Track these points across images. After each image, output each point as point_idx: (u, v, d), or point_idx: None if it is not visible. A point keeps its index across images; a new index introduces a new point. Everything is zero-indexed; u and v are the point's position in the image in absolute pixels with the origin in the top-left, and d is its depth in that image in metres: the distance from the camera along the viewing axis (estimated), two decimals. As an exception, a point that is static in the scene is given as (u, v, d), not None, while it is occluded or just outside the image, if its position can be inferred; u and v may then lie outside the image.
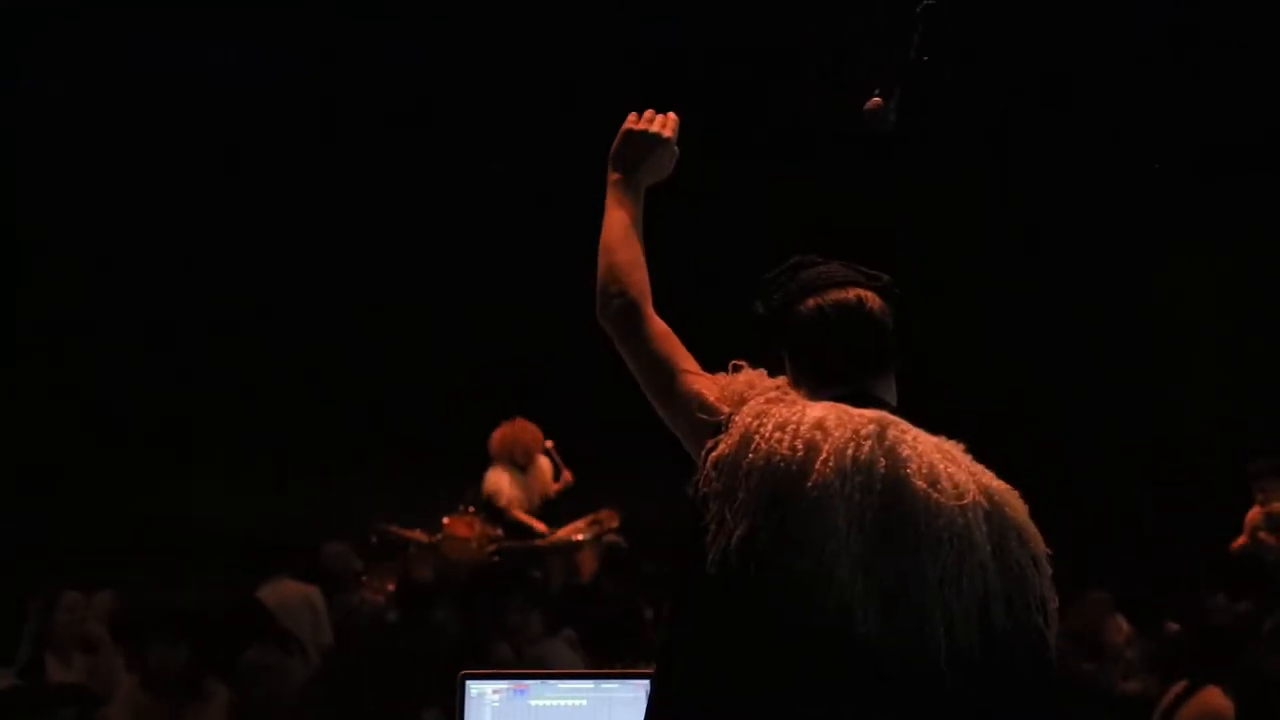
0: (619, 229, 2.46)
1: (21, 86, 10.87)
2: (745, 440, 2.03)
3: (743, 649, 1.95)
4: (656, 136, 2.52)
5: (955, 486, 1.98)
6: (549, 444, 8.60)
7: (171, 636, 5.46)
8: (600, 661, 5.64)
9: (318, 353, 11.54)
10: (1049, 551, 2.04)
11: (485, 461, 8.98)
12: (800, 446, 1.98)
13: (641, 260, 2.44)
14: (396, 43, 11.17)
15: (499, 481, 8.44)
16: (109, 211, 11.32)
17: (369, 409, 11.50)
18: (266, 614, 6.00)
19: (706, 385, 2.22)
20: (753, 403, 2.09)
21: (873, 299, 2.20)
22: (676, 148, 2.56)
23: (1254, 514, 6.72)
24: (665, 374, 2.29)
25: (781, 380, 2.18)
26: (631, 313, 2.37)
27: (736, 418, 2.08)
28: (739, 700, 1.94)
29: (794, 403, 2.08)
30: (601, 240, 2.47)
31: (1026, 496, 2.10)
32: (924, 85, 2.39)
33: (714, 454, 2.06)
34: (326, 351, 11.58)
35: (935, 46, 2.39)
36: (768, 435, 2.01)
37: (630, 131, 2.54)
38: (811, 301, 2.19)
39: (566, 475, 8.65)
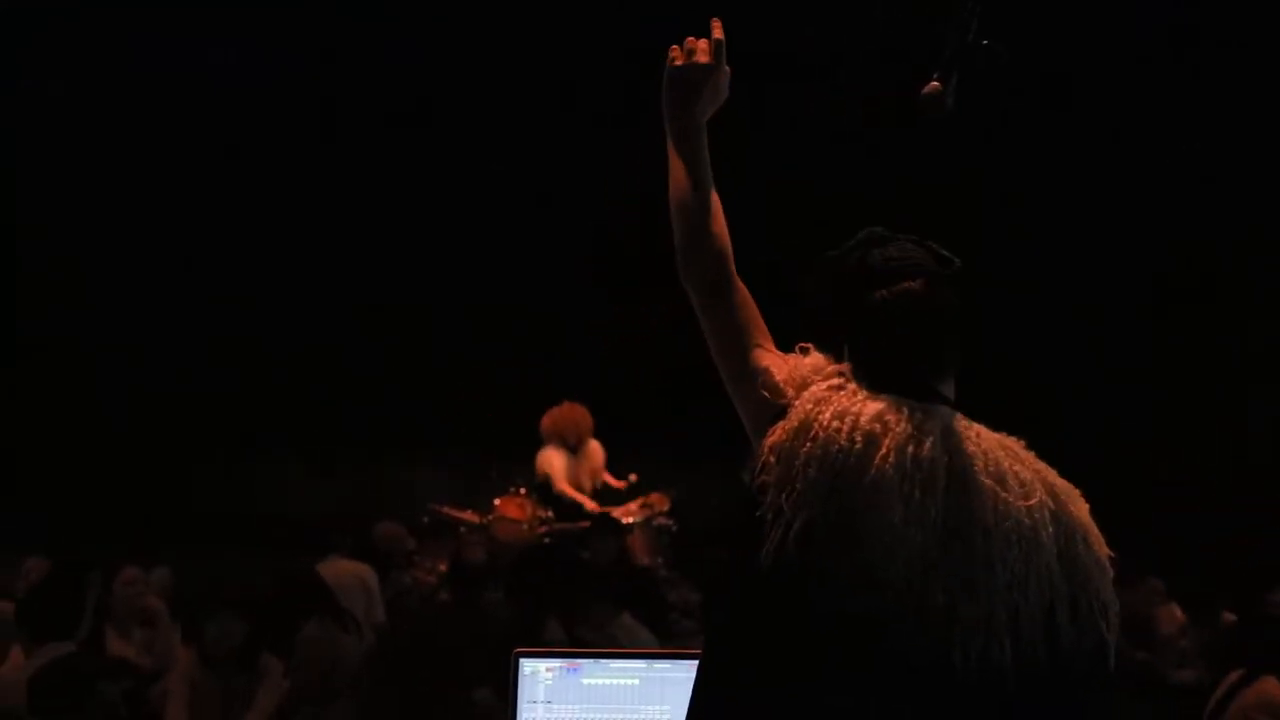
0: (687, 180, 2.29)
1: (21, 86, 10.78)
2: (804, 427, 1.96)
3: (798, 647, 1.89)
4: (701, 67, 2.35)
5: (1022, 485, 1.93)
6: (607, 476, 8.63)
7: (228, 612, 5.40)
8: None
9: (318, 353, 11.50)
10: (1112, 554, 1.99)
11: (486, 464, 8.99)
12: (859, 439, 1.93)
13: (718, 211, 2.29)
14: (396, 43, 11.15)
15: (552, 460, 8.45)
16: (109, 211, 11.24)
17: (368, 409, 11.46)
18: (324, 589, 5.95)
19: (776, 363, 2.12)
20: (814, 388, 2.02)
21: (943, 291, 2.09)
22: (727, 66, 2.37)
23: (1310, 507, 6.71)
24: (740, 347, 2.18)
25: (845, 366, 2.07)
26: (717, 278, 2.24)
27: (797, 403, 2.01)
28: (797, 705, 1.88)
29: (855, 392, 2.00)
30: (671, 195, 2.30)
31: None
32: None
33: (771, 439, 1.99)
34: (327, 351, 11.54)
35: (993, 30, 2.35)
36: (825, 424, 1.95)
37: (672, 71, 2.37)
38: (880, 294, 2.07)
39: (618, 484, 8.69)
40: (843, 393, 2.01)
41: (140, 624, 5.89)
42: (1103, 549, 1.98)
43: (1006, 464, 1.95)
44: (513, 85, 11.13)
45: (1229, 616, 6.23)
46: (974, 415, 2.07)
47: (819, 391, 2.02)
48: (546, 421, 8.63)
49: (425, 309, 11.51)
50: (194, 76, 10.99)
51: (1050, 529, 1.92)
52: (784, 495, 1.93)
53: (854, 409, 1.97)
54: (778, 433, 2.00)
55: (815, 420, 1.97)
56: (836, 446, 1.93)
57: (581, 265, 11.04)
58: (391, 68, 11.26)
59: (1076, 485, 2.04)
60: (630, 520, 8.06)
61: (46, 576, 5.43)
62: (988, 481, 1.92)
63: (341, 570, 6.55)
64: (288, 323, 11.57)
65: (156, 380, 11.43)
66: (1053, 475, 2.00)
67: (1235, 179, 10.18)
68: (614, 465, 9.00)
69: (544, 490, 8.41)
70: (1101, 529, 2.02)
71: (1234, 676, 5.24)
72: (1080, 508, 1.99)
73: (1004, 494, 1.91)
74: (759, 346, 2.18)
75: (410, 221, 11.56)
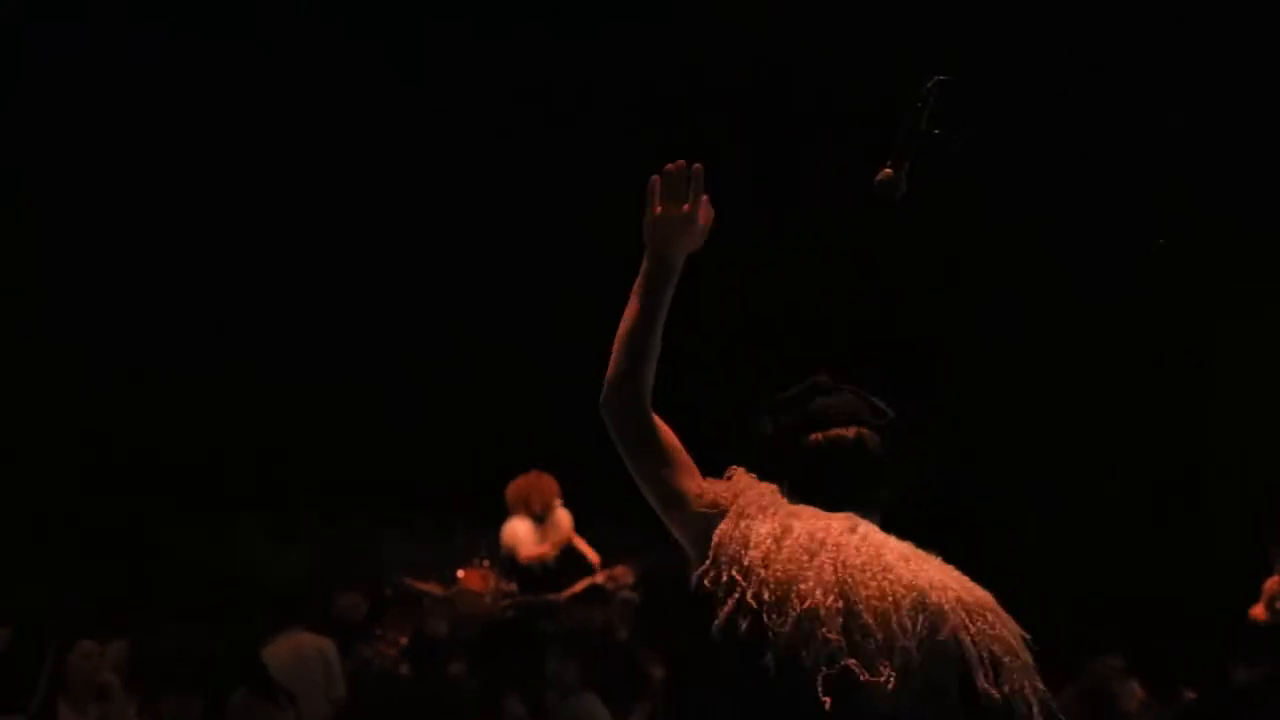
0: (644, 320, 2.42)
1: (22, 87, 10.69)
2: (745, 515, 2.27)
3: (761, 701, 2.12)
4: (681, 219, 2.43)
5: (925, 571, 2.20)
6: (579, 541, 8.60)
7: (186, 685, 5.35)
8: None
9: (283, 416, 11.42)
10: (1025, 635, 2.22)
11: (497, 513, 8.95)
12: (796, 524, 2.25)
13: (653, 353, 2.41)
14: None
15: (517, 531, 8.42)
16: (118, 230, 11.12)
17: (334, 474, 11.37)
18: (254, 661, 5.88)
19: (710, 483, 2.38)
20: (752, 492, 2.32)
21: (871, 439, 2.36)
22: (709, 212, 2.47)
23: (1272, 583, 6.72)
24: (670, 482, 2.38)
25: (773, 486, 2.36)
26: (648, 430, 2.40)
27: (736, 504, 2.30)
28: None
29: (779, 506, 2.30)
30: (622, 327, 2.44)
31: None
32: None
33: (718, 536, 2.26)
34: (292, 414, 11.46)
35: (946, 120, 2.49)
36: (763, 507, 2.27)
37: (652, 219, 2.44)
38: (815, 436, 2.36)
39: (594, 558, 8.66)
40: (779, 497, 2.35)
41: (95, 698, 5.82)
42: (1013, 625, 2.22)
43: (911, 554, 2.24)
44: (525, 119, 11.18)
45: (1190, 695, 6.25)
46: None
47: (758, 493, 2.32)
48: (511, 491, 8.59)
49: (390, 373, 11.47)
50: (198, 77, 10.89)
51: (956, 605, 2.16)
52: (734, 569, 2.20)
53: (790, 508, 2.29)
54: (721, 529, 2.27)
55: (754, 508, 2.28)
56: (775, 527, 2.24)
57: (601, 315, 10.78)
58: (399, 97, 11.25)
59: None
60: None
61: (4, 646, 5.38)
62: (893, 559, 2.20)
63: (302, 643, 6.47)
64: (254, 384, 11.50)
65: (118, 442, 11.33)
66: (962, 576, 2.25)
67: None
68: (583, 530, 8.97)
69: (509, 562, 8.36)
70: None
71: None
72: (986, 593, 2.23)
73: (908, 570, 2.18)
74: (688, 475, 2.39)
75: (417, 258, 11.47)
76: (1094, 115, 9.97)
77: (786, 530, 2.21)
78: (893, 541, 2.25)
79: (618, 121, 11.07)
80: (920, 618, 2.11)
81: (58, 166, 10.85)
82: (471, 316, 11.11)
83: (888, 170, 2.39)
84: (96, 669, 5.81)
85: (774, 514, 2.25)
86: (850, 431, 2.36)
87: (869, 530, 2.25)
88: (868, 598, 2.12)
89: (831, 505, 2.31)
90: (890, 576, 2.15)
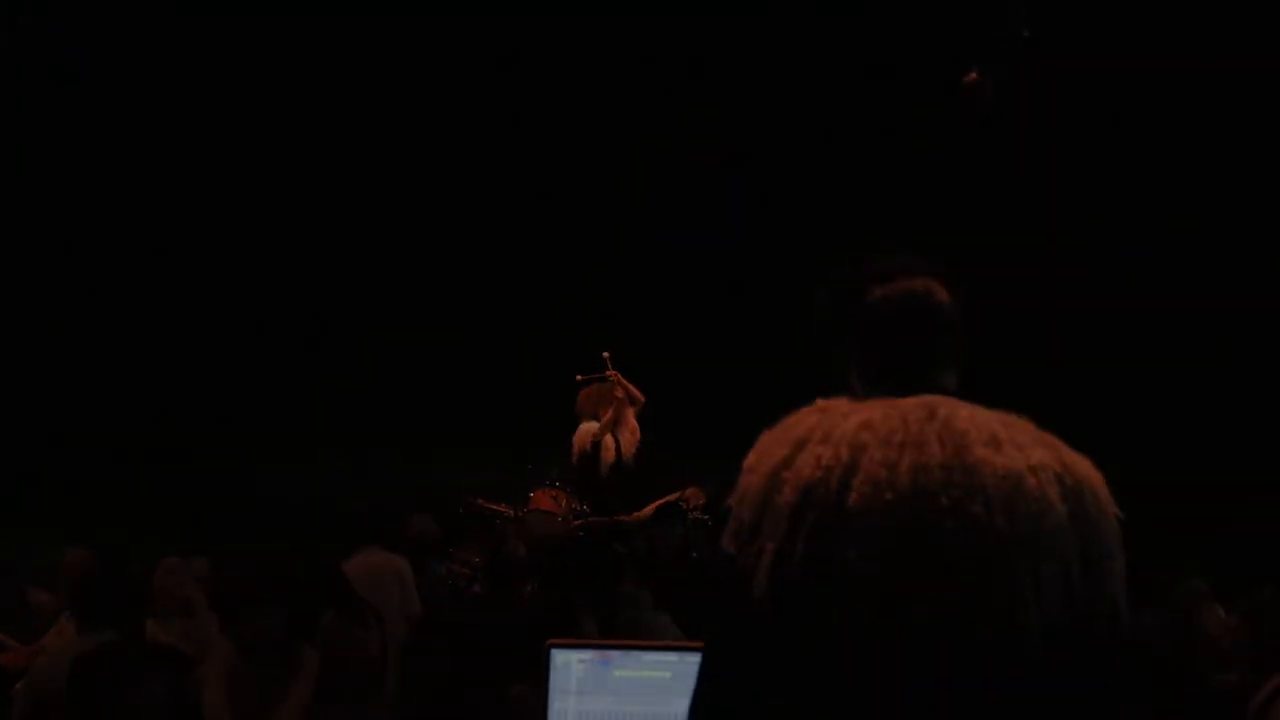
0: None
1: (22, 88, 10.83)
2: (771, 484, 1.88)
3: (817, 635, 1.80)
4: None
5: (1020, 449, 1.87)
6: (611, 373, 8.70)
7: (268, 602, 5.41)
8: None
9: (359, 347, 11.57)
10: (1120, 514, 1.92)
11: (523, 457, 9.06)
12: (844, 453, 1.86)
13: None
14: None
15: (589, 430, 8.59)
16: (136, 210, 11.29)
17: (407, 403, 11.51)
18: (341, 582, 5.97)
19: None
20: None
21: (940, 290, 2.08)
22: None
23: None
24: None
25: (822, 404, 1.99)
26: None
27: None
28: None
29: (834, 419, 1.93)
30: None
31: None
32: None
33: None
34: (368, 345, 11.60)
35: (1037, 23, 2.33)
36: (808, 458, 1.88)
37: None
38: (879, 290, 2.07)
39: (638, 395, 8.80)
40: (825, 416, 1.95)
41: (180, 613, 5.96)
42: (1112, 508, 1.92)
43: (1003, 432, 1.89)
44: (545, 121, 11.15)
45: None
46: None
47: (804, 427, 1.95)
48: (582, 398, 8.79)
49: (463, 303, 11.55)
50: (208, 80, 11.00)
51: (1056, 487, 1.85)
52: (759, 536, 1.86)
53: (834, 433, 1.91)
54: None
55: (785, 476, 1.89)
56: (815, 477, 1.86)
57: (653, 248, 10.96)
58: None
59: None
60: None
61: (95, 564, 5.48)
62: (980, 450, 1.86)
63: (377, 562, 6.59)
64: (331, 318, 11.65)
65: (201, 375, 11.53)
66: (1058, 442, 1.94)
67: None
68: (651, 457, 9.06)
69: (583, 469, 8.51)
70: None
71: (1278, 679, 5.16)
72: (1090, 470, 1.92)
73: (999, 457, 1.85)
74: None
75: (450, 221, 11.59)
76: (1093, 114, 9.84)
77: (859, 448, 1.84)
78: (979, 417, 1.91)
79: (618, 121, 11.03)
80: (1020, 508, 1.81)
81: (57, 166, 11.02)
82: (545, 253, 11.19)
83: (974, 75, 2.24)
84: (180, 584, 5.95)
85: (829, 443, 1.87)
86: (918, 283, 2.07)
87: (949, 412, 1.91)
88: (958, 499, 1.81)
89: (905, 364, 2.02)
90: (982, 472, 1.83)
